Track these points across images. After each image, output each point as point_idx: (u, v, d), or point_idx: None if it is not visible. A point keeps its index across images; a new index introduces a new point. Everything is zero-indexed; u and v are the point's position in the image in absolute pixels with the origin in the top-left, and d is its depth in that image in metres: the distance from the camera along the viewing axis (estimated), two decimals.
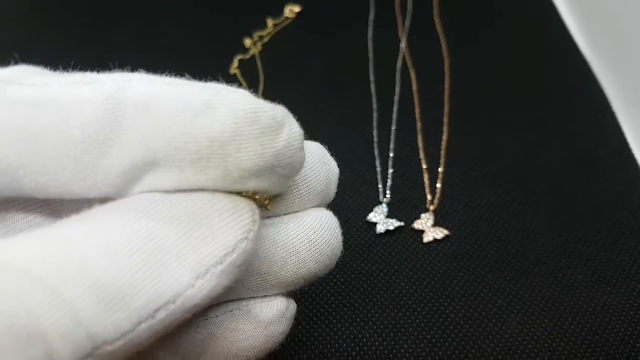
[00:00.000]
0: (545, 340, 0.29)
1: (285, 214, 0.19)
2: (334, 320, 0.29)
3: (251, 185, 0.15)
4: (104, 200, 0.15)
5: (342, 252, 0.20)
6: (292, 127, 0.15)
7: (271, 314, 0.18)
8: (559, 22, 0.46)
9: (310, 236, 0.18)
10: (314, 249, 0.18)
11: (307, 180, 0.18)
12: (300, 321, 0.29)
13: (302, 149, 0.16)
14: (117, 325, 0.13)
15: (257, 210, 0.16)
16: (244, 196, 0.16)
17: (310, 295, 0.31)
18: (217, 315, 0.18)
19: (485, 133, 0.38)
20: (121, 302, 0.13)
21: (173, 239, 0.14)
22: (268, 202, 0.17)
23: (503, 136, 0.38)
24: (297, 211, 0.19)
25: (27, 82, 0.15)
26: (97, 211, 0.15)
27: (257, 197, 0.16)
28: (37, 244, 0.13)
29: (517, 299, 0.30)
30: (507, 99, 0.40)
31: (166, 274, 0.14)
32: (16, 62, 0.18)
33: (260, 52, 0.43)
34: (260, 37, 0.44)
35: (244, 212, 0.15)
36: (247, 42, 0.44)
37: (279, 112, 0.15)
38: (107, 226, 0.14)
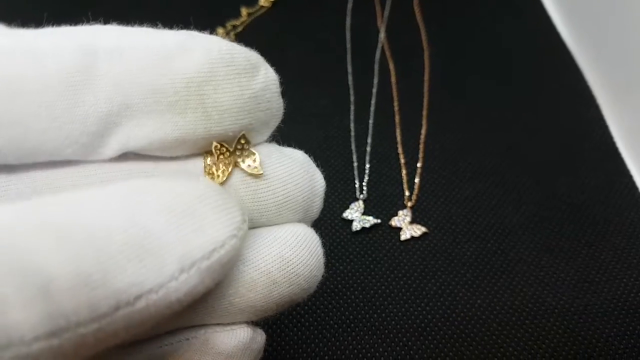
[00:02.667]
0: (527, 342, 0.27)
1: (258, 227, 0.17)
2: (307, 323, 0.28)
3: (231, 128, 0.15)
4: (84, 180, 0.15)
5: (323, 275, 0.17)
6: (267, 71, 0.15)
7: (232, 345, 0.16)
8: (543, 14, 0.45)
9: (284, 254, 0.16)
10: (289, 269, 0.16)
11: (285, 187, 0.16)
12: (270, 324, 0.28)
13: (279, 94, 0.16)
14: (94, 305, 0.12)
15: (246, 210, 0.15)
16: (232, 150, 0.15)
17: None
18: (172, 343, 0.16)
19: (466, 127, 0.37)
20: (103, 279, 0.12)
21: (159, 227, 0.13)
22: (258, 168, 0.16)
23: (484, 130, 0.37)
24: (273, 225, 0.17)
25: (1, 33, 0.15)
26: (82, 192, 0.14)
27: (245, 146, 0.15)
28: (13, 212, 0.13)
29: (497, 299, 0.29)
30: (488, 92, 0.39)
31: (150, 260, 0.13)
32: None
33: (233, 42, 0.42)
34: (234, 27, 0.43)
35: (235, 210, 0.14)
36: (220, 31, 0.42)
37: (253, 55, 0.15)
38: (91, 207, 0.13)
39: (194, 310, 0.15)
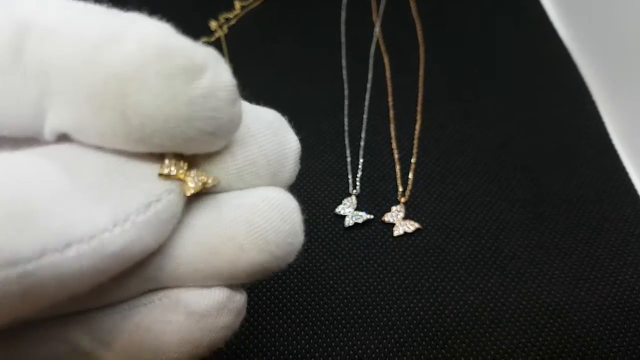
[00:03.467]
0: (520, 340, 0.27)
1: (223, 192, 0.15)
2: (297, 320, 0.28)
3: (159, 138, 0.13)
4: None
5: (302, 243, 0.16)
6: (217, 74, 0.13)
7: (205, 305, 0.15)
8: (540, 10, 0.44)
9: (250, 219, 0.15)
10: (256, 234, 0.15)
11: (246, 149, 0.15)
12: (260, 321, 0.28)
13: (232, 102, 0.13)
14: (15, 247, 0.11)
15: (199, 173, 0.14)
16: (170, 175, 0.14)
17: (271, 292, 0.29)
18: (144, 304, 0.16)
19: (460, 122, 0.37)
20: (27, 219, 0.11)
21: (90, 179, 0.13)
22: (210, 181, 0.14)
23: (479, 126, 0.36)
24: (241, 189, 0.15)
25: None
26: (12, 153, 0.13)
27: (189, 175, 0.14)
28: None
29: (491, 296, 0.28)
30: (483, 87, 0.39)
31: (80, 208, 0.12)
32: None
33: (226, 35, 0.41)
34: (227, 20, 0.42)
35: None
36: (213, 24, 0.42)
37: (200, 53, 0.13)
38: (20, 160, 0.13)
39: (158, 275, 0.15)
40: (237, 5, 0.43)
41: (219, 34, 0.41)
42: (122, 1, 0.19)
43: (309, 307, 0.28)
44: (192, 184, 0.14)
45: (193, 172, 0.14)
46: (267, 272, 0.15)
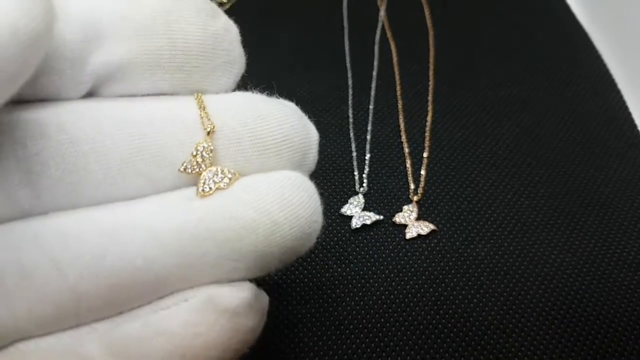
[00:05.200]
0: (550, 356, 0.24)
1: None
2: (300, 334, 0.25)
3: (195, 60, 0.16)
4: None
5: (321, 226, 0.16)
6: (229, 20, 0.17)
7: (236, 302, 0.15)
8: None
9: (284, 194, 0.15)
10: (289, 209, 0.15)
11: (282, 127, 0.16)
12: (265, 337, 0.25)
13: (240, 44, 0.17)
14: None
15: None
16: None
17: (271, 303, 0.26)
18: (169, 307, 0.15)
19: (475, 113, 0.34)
20: None
21: None
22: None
23: (495, 117, 0.33)
24: (271, 170, 0.16)
25: None
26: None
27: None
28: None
29: (516, 306, 0.26)
30: (499, 74, 0.36)
31: None
32: None
33: None
34: (221, 4, 0.39)
35: None
36: None
37: (215, 4, 0.17)
38: None
39: (192, 266, 0.15)
40: None
41: None
42: None
43: (313, 319, 0.25)
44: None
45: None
46: (295, 253, 0.16)
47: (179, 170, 0.15)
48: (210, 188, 0.15)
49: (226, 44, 0.16)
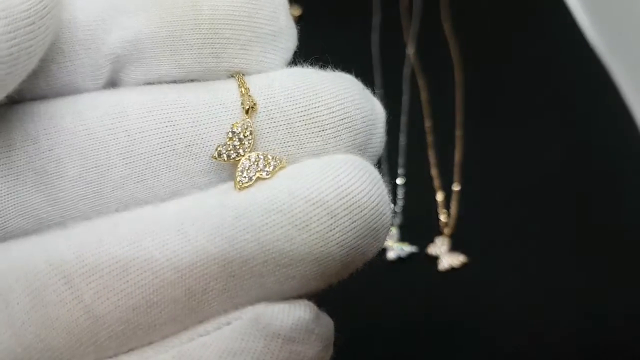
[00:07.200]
0: None
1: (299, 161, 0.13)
2: None
3: (226, 30, 0.13)
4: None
5: (391, 221, 0.13)
6: None
7: (290, 323, 0.12)
8: (571, 21, 0.42)
9: (340, 180, 0.12)
10: (348, 198, 0.12)
11: (342, 102, 0.13)
12: None
13: (288, 12, 0.14)
14: None
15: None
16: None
17: None
18: (208, 332, 0.12)
19: (503, 146, 0.35)
20: None
21: None
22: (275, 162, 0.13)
23: (524, 150, 0.34)
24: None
25: None
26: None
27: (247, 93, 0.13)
28: None
29: (546, 338, 0.26)
30: (526, 108, 0.37)
31: None
32: None
33: None
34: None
35: None
36: None
37: None
38: None
39: (233, 275, 0.12)
40: None
41: None
42: None
43: (347, 351, 0.26)
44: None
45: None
46: (359, 255, 0.13)
47: (212, 156, 0.13)
48: (250, 178, 0.13)
49: (268, 11, 0.13)
